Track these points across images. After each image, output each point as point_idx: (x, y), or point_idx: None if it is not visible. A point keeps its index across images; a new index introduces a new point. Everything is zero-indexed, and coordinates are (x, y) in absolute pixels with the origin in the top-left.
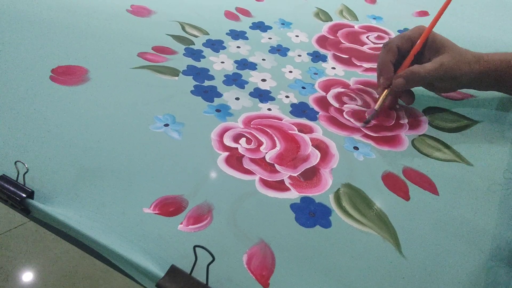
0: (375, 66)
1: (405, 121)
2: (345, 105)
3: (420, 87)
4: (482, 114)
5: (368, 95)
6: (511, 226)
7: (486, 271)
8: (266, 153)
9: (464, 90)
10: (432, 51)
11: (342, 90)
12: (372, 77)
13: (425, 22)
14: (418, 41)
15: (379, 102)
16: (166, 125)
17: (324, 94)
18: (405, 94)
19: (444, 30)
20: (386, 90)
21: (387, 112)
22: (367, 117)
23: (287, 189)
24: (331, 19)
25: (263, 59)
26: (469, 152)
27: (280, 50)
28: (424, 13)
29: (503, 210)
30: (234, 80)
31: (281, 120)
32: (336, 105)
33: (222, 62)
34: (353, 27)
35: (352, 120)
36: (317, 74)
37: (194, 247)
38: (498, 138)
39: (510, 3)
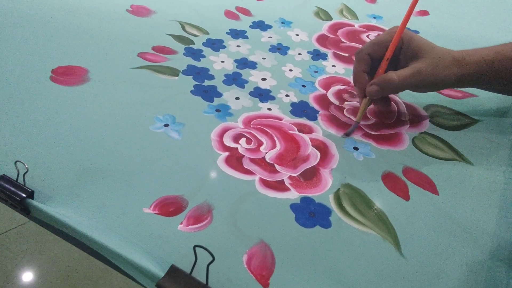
0: None
1: (406, 118)
2: (345, 103)
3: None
4: (483, 113)
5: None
6: (511, 226)
7: (486, 271)
8: (266, 153)
9: (466, 89)
10: (408, 56)
11: (343, 87)
12: None
13: (425, 21)
14: (389, 46)
15: (359, 114)
16: (166, 125)
17: (324, 92)
18: (380, 100)
19: (444, 30)
20: (365, 100)
21: (387, 110)
22: (347, 130)
23: (287, 189)
24: (331, 18)
25: (263, 58)
26: (470, 151)
27: (280, 49)
28: (424, 13)
29: (503, 210)
30: (234, 79)
31: (281, 120)
32: (337, 102)
33: (222, 62)
34: (353, 26)
35: (352, 117)
36: (317, 72)
37: (194, 247)
38: (498, 137)
39: (510, 3)
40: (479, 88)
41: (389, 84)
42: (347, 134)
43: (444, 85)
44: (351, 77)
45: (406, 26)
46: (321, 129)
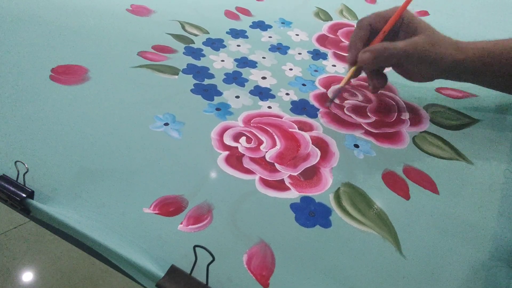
0: None
1: (406, 117)
2: (345, 101)
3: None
4: (483, 112)
5: (369, 91)
6: (511, 226)
7: (486, 271)
8: (266, 152)
9: (466, 89)
10: (407, 32)
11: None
12: None
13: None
14: (391, 18)
15: (344, 79)
16: (166, 124)
17: (324, 90)
18: (376, 76)
19: (444, 30)
20: (353, 68)
21: (388, 108)
22: (331, 96)
23: (287, 188)
24: (331, 19)
25: (263, 57)
26: (470, 150)
27: (280, 49)
28: (424, 13)
29: (504, 210)
30: (234, 78)
31: (281, 118)
32: (337, 101)
33: (222, 61)
34: (353, 26)
35: (352, 115)
36: (317, 71)
37: (194, 247)
38: (498, 137)
39: (510, 3)
40: (475, 82)
41: (382, 51)
42: (330, 101)
43: (440, 66)
44: None
45: None
46: (322, 126)
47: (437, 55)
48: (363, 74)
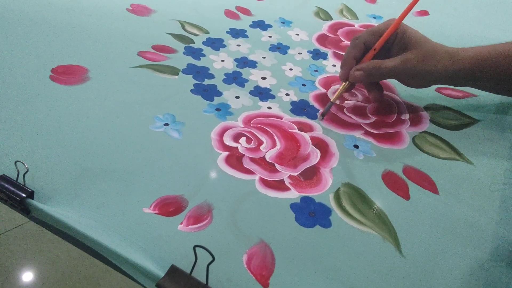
0: None
1: (406, 117)
2: (345, 101)
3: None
4: (483, 113)
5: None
6: (511, 226)
7: (486, 271)
8: (266, 152)
9: (466, 89)
10: (400, 47)
11: None
12: None
13: (426, 21)
14: (383, 36)
15: (336, 94)
16: (166, 124)
17: (324, 90)
18: (373, 88)
19: (444, 30)
20: (345, 83)
21: (388, 108)
22: (323, 110)
23: (287, 188)
24: (331, 18)
25: (263, 57)
26: (470, 150)
27: (280, 48)
28: (424, 13)
29: (504, 210)
30: (234, 78)
31: (281, 118)
32: (337, 101)
33: (222, 61)
34: (353, 26)
35: (352, 116)
36: (317, 71)
37: (194, 247)
38: (498, 137)
39: (510, 3)
40: (473, 87)
41: (373, 70)
42: (323, 115)
43: (435, 78)
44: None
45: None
46: (321, 127)
47: (428, 70)
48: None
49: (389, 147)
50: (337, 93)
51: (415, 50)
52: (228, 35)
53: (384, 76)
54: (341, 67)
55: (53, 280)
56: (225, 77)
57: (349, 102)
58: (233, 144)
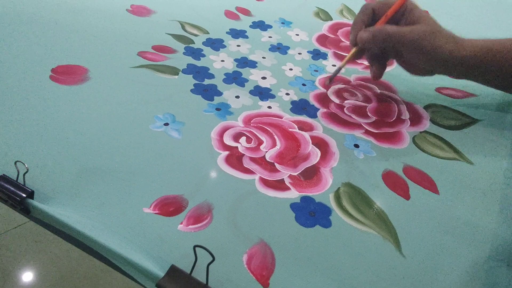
0: None
1: (406, 117)
2: (346, 101)
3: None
4: (483, 112)
5: (369, 91)
6: (511, 226)
7: (486, 271)
8: (266, 152)
9: (466, 89)
10: (409, 21)
11: (343, 86)
12: None
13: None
14: (395, 4)
15: (344, 60)
16: (166, 124)
17: (324, 90)
18: (376, 62)
19: None
20: (354, 48)
21: (388, 108)
22: (331, 75)
23: (287, 188)
24: (331, 19)
25: (263, 57)
26: (470, 150)
27: (280, 48)
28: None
29: (504, 210)
30: (234, 78)
31: (281, 118)
32: (337, 101)
33: (222, 61)
34: None
35: (353, 115)
36: (317, 71)
37: (194, 247)
38: (498, 137)
39: (510, 3)
40: (474, 79)
41: (380, 31)
42: (330, 79)
43: (436, 58)
44: (352, 76)
45: None
46: (322, 126)
47: (433, 46)
48: (364, 74)
49: (389, 147)
50: (345, 58)
51: (424, 25)
52: (228, 36)
53: (390, 39)
54: (351, 32)
55: (53, 280)
56: (225, 77)
57: (349, 102)
58: (233, 144)
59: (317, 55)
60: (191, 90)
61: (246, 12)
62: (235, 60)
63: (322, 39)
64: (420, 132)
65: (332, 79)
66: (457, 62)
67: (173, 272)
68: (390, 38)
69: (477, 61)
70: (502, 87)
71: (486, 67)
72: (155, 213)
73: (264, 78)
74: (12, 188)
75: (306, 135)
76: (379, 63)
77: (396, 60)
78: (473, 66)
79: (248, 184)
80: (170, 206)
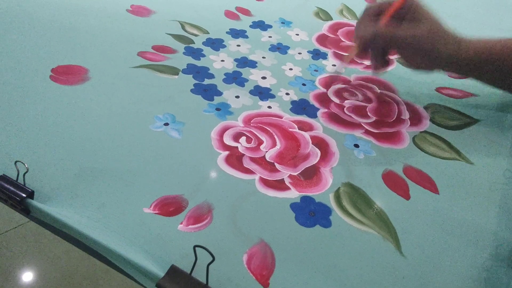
0: None
1: (406, 116)
2: (346, 101)
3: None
4: (483, 112)
5: (369, 90)
6: (511, 226)
7: (486, 271)
8: (266, 152)
9: (466, 89)
10: (411, 21)
11: (343, 86)
12: None
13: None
14: (397, 2)
15: (347, 56)
16: (166, 124)
17: (324, 90)
18: (380, 57)
19: None
20: (357, 44)
21: (388, 108)
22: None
23: (287, 188)
24: (331, 18)
25: (263, 57)
26: (470, 150)
27: (280, 48)
28: None
29: (504, 210)
30: (234, 78)
31: (281, 118)
32: (337, 101)
33: (222, 61)
34: (353, 26)
35: (353, 115)
36: (317, 71)
37: (194, 247)
38: (498, 137)
39: (510, 3)
40: (476, 78)
41: (382, 34)
42: (338, 72)
43: (437, 60)
44: (352, 76)
45: None
46: (322, 126)
47: (433, 49)
48: (364, 74)
49: (389, 147)
50: (351, 50)
51: (425, 24)
52: (228, 36)
53: (390, 41)
54: (355, 31)
55: (53, 280)
56: (225, 77)
57: (349, 102)
58: (233, 144)
59: (317, 55)
60: (191, 90)
61: (246, 12)
62: (235, 60)
63: (322, 39)
64: (420, 132)
65: (341, 70)
66: (457, 64)
67: (173, 272)
68: (390, 41)
69: (478, 62)
70: (504, 87)
71: (487, 68)
72: (155, 213)
73: (264, 78)
74: (12, 188)
75: (306, 135)
76: (382, 58)
77: (398, 53)
78: (474, 67)
79: (248, 184)
80: (170, 206)
